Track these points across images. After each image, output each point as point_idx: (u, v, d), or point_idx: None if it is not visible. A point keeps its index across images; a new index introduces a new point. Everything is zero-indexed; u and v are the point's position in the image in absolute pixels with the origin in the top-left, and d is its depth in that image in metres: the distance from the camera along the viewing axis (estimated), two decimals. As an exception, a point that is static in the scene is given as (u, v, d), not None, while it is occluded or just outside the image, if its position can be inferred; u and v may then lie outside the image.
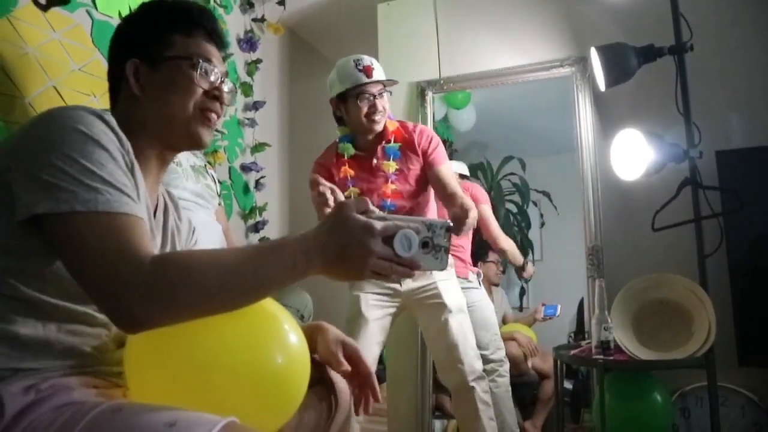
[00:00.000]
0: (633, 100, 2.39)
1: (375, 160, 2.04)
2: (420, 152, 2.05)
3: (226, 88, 1.01)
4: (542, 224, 3.36)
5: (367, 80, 1.98)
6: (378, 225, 0.77)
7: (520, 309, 3.34)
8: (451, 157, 3.26)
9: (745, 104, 2.27)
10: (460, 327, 2.08)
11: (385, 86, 2.04)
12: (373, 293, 2.08)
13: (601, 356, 1.87)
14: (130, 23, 1.02)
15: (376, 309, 2.08)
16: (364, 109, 1.99)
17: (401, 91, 2.90)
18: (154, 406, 0.73)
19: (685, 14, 1.97)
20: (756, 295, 2.08)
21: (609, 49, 2.02)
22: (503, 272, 3.25)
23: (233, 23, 2.84)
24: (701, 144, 1.95)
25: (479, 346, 2.39)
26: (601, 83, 2.06)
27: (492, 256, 2.96)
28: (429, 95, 2.84)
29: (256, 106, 2.98)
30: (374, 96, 2.00)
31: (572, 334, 3.09)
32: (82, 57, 1.89)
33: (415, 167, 2.05)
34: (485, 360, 2.36)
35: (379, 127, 2.02)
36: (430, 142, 2.07)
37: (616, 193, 2.39)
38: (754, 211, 2.01)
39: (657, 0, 2.06)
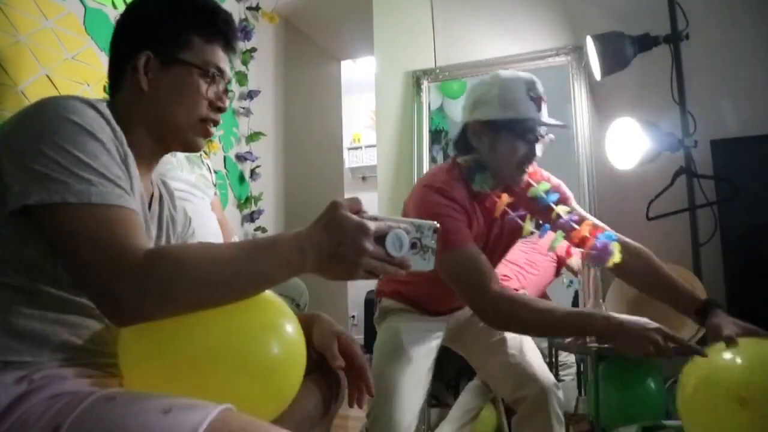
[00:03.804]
0: (628, 89, 2.39)
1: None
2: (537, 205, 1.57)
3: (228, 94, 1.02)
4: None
5: (539, 118, 1.47)
6: (371, 225, 0.78)
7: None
8: (446, 149, 3.28)
9: (740, 93, 2.27)
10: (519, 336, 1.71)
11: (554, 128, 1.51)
12: (416, 323, 1.70)
13: (596, 344, 1.88)
14: (148, 8, 0.97)
15: (422, 343, 1.67)
16: (520, 154, 1.48)
17: (396, 80, 2.90)
18: (148, 394, 0.73)
19: (680, 3, 1.96)
20: (750, 283, 2.09)
21: (605, 38, 2.02)
22: None
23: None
24: (696, 133, 1.95)
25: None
26: (597, 72, 2.06)
27: None
28: (425, 84, 2.83)
29: (251, 95, 2.97)
30: (538, 139, 1.50)
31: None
32: (74, 45, 1.87)
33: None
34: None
35: (524, 180, 1.55)
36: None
37: (611, 182, 2.40)
38: (749, 200, 2.01)
39: (653, -11, 2.06)
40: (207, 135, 1.00)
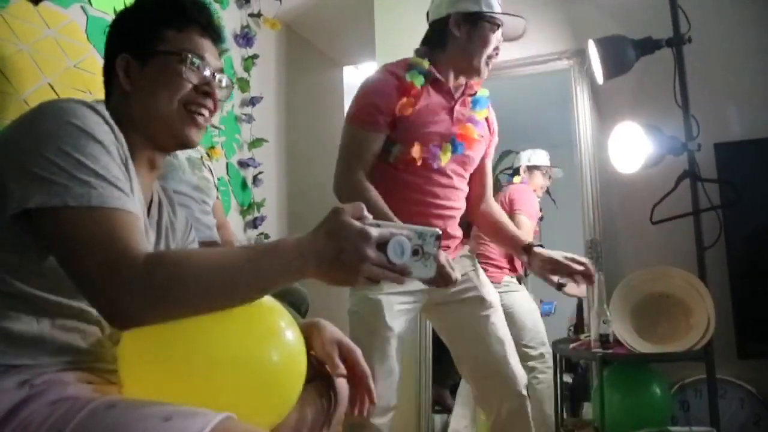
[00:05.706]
0: (631, 92, 2.38)
1: (455, 103, 1.67)
2: (490, 131, 1.77)
3: (223, 82, 1.00)
4: (541, 218, 3.35)
5: (506, 14, 1.64)
6: (373, 231, 0.78)
7: (520, 303, 3.33)
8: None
9: (743, 96, 2.26)
10: (504, 326, 1.69)
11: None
12: (397, 294, 1.58)
13: (600, 349, 1.87)
14: (124, 17, 1.01)
15: (402, 316, 1.61)
16: (491, 47, 1.62)
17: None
18: (148, 402, 0.73)
19: (683, 6, 1.96)
20: (755, 287, 2.08)
21: (607, 42, 2.02)
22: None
23: (229, 18, 2.82)
24: (700, 136, 1.94)
25: (522, 344, 2.39)
26: (599, 76, 2.06)
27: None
28: (427, 89, 2.83)
29: (253, 101, 2.97)
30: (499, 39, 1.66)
31: (572, 328, 3.08)
32: (77, 53, 1.88)
33: (481, 146, 1.74)
34: (527, 357, 2.38)
35: (484, 76, 1.66)
36: (496, 129, 1.79)
37: (614, 187, 2.39)
38: (753, 204, 2.01)
39: (655, -8, 2.06)
40: (196, 124, 0.96)
